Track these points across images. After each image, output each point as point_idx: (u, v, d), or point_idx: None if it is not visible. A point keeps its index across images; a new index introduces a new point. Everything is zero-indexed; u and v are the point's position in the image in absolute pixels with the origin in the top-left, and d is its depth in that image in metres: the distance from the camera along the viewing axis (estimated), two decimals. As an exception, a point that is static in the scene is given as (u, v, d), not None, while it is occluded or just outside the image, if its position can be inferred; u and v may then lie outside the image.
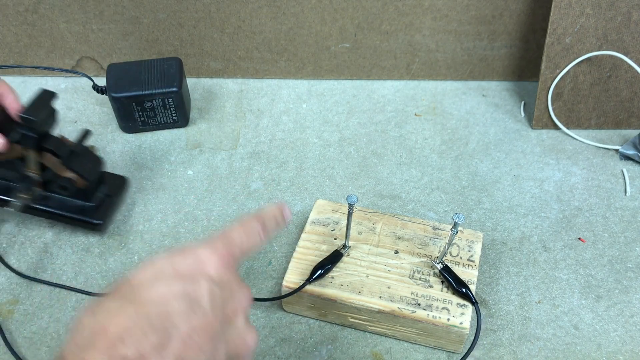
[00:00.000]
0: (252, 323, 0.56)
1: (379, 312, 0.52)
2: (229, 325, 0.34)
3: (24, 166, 0.59)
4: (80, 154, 0.60)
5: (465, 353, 0.52)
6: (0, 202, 0.61)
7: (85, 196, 0.62)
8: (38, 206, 0.61)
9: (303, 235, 0.58)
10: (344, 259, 0.56)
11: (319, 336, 0.55)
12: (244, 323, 0.36)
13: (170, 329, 0.31)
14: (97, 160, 0.63)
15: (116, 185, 0.66)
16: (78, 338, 0.30)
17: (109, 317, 0.31)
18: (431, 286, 0.54)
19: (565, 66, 0.73)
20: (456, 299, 0.53)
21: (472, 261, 0.56)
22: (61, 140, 0.60)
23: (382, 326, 0.54)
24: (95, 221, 0.62)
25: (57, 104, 0.81)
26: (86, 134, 0.62)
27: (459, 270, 0.54)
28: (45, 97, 0.58)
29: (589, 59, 0.73)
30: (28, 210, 0.61)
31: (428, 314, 0.51)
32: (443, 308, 0.52)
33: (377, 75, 0.86)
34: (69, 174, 0.59)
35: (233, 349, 0.35)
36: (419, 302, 0.52)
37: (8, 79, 0.85)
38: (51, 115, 0.59)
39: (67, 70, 0.81)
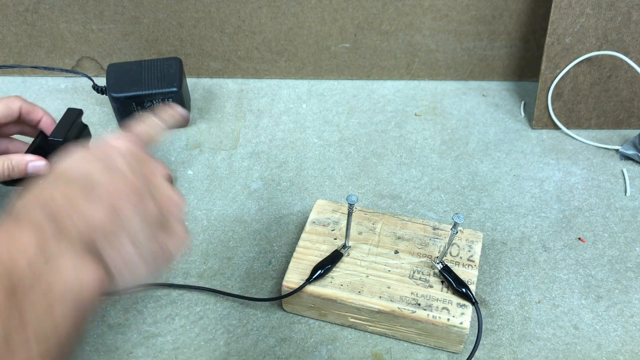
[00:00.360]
0: (252, 323, 0.56)
1: (379, 312, 0.52)
2: (150, 183, 0.38)
3: None
4: None
5: (470, 354, 0.52)
6: None
7: None
8: None
9: (303, 235, 0.58)
10: (344, 259, 0.56)
11: (319, 336, 0.55)
12: (166, 184, 0.39)
13: (97, 189, 0.35)
14: None
15: None
16: (13, 212, 0.33)
17: (40, 192, 0.34)
18: (431, 286, 0.54)
19: (565, 66, 0.73)
20: (456, 299, 0.53)
21: (472, 261, 0.56)
22: None
23: (382, 326, 0.54)
24: None
25: (57, 105, 0.81)
26: None
27: (459, 270, 0.54)
28: (71, 115, 0.61)
29: (589, 59, 0.73)
30: None
31: (428, 314, 0.51)
32: (443, 308, 0.52)
33: (377, 75, 0.86)
34: None
35: (162, 205, 0.38)
36: (419, 302, 0.52)
37: (8, 79, 0.86)
38: (81, 131, 0.62)
39: (67, 70, 0.81)
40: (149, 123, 0.44)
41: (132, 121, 0.44)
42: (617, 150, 0.74)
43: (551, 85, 0.75)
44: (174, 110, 0.47)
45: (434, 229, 0.59)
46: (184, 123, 0.49)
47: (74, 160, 0.37)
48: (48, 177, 0.36)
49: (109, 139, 0.39)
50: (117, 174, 0.36)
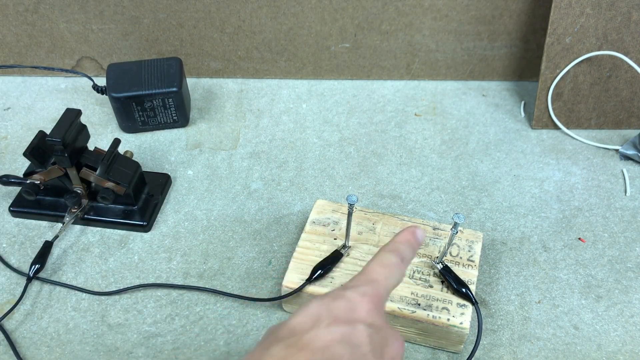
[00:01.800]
0: (252, 323, 0.56)
1: (379, 312, 0.52)
2: None
3: (70, 183, 0.63)
4: (115, 163, 0.63)
5: (470, 354, 0.52)
6: (55, 219, 0.65)
7: (129, 200, 0.64)
8: (86, 216, 0.64)
9: (303, 235, 0.58)
10: (344, 259, 0.56)
11: (319, 336, 0.55)
12: None
13: None
14: (134, 166, 0.64)
15: (158, 184, 0.68)
16: None
17: None
18: (431, 286, 0.54)
19: (565, 66, 0.73)
20: (456, 299, 0.53)
21: (472, 261, 0.56)
22: (96, 153, 0.63)
23: (382, 326, 0.54)
24: (140, 223, 0.64)
25: (57, 105, 0.81)
26: (116, 142, 0.64)
27: (459, 270, 0.54)
28: (69, 116, 0.60)
29: (589, 59, 0.73)
30: (78, 221, 0.65)
31: (428, 314, 0.51)
32: (443, 308, 0.52)
33: (377, 75, 0.86)
34: (108, 184, 0.62)
35: None
36: (418, 302, 0.52)
37: (8, 79, 0.86)
38: (80, 132, 0.61)
39: (67, 70, 0.81)
40: (388, 266, 0.38)
41: (373, 265, 0.38)
42: (617, 150, 0.74)
43: (551, 85, 0.75)
44: (411, 234, 0.40)
45: (434, 229, 0.59)
46: (418, 248, 0.42)
47: (313, 322, 0.33)
48: (282, 339, 0.33)
49: (350, 296, 0.35)
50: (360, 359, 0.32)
